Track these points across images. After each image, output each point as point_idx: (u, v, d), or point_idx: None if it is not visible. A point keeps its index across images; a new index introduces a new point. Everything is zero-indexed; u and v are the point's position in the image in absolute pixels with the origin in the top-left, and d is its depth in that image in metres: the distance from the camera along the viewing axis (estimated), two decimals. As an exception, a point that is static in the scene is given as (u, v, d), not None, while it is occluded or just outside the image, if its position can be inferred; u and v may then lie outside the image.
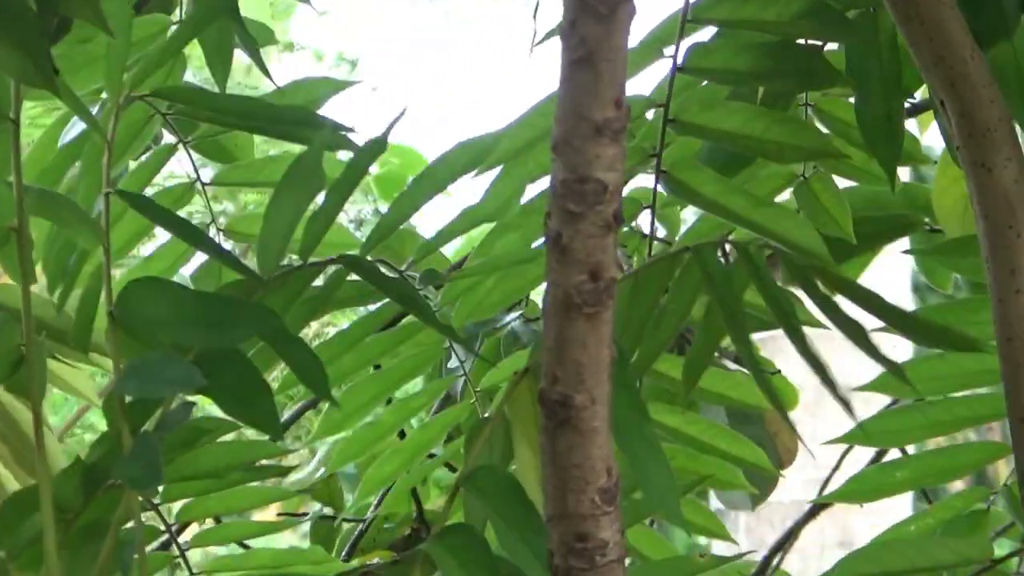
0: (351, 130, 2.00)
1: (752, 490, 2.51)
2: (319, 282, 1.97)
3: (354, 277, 1.98)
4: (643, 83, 2.19)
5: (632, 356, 2.04)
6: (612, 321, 1.50)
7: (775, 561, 3.34)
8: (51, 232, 2.07)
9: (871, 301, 1.82)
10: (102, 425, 2.02)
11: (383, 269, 1.94)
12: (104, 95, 2.17)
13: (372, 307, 2.24)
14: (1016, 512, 2.54)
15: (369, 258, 1.94)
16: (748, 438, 2.41)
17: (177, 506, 2.35)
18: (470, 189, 2.17)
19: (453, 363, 2.39)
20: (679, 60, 2.15)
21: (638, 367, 2.09)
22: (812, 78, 2.20)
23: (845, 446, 2.85)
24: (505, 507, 1.80)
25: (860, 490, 2.55)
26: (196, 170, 2.52)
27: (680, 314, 2.05)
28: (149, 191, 2.51)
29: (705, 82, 2.24)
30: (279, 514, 3.30)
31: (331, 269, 1.98)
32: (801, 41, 2.19)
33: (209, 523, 2.64)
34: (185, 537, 2.48)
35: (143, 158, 2.43)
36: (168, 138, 2.48)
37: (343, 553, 2.88)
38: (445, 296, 2.23)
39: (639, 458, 1.81)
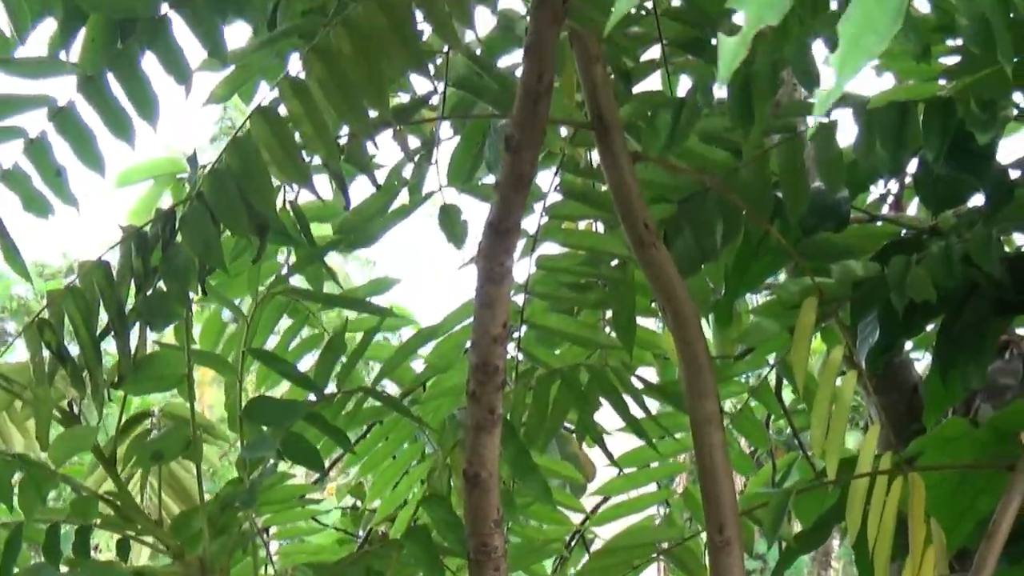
0: (387, 310, 2.45)
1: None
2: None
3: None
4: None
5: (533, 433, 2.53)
6: (499, 434, 2.01)
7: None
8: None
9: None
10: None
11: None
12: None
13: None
14: (689, 504, 3.03)
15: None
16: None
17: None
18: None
19: (429, 449, 2.70)
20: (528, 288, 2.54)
21: (543, 441, 2.57)
22: (600, 304, 2.61)
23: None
24: (443, 517, 2.30)
25: (617, 486, 3.09)
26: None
27: (563, 411, 2.54)
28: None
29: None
30: (336, 528, 3.57)
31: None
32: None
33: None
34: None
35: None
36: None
37: (364, 531, 3.25)
38: (424, 410, 2.67)
39: (524, 475, 2.34)
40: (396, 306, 3.05)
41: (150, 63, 2.27)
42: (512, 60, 2.61)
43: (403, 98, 2.55)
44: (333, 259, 2.88)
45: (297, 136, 2.19)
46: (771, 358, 2.89)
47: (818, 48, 2.31)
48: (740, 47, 0.79)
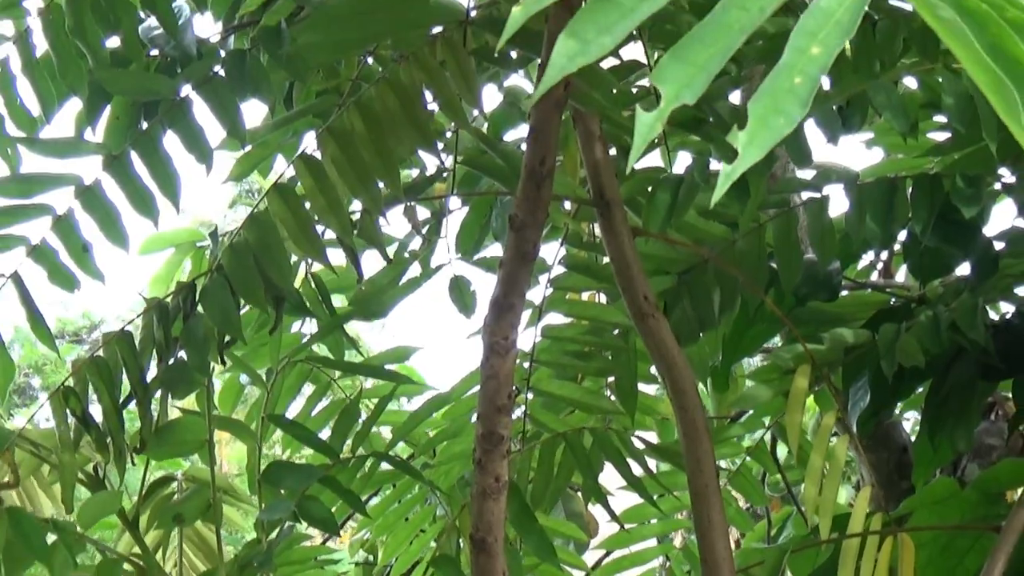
0: (404, 377, 2.45)
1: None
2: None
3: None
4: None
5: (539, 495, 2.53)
6: (505, 499, 2.02)
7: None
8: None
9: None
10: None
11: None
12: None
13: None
14: (689, 558, 3.02)
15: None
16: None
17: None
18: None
19: (440, 511, 2.68)
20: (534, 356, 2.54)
21: (548, 503, 2.57)
22: (603, 371, 2.61)
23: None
24: None
25: (618, 541, 3.07)
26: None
27: (568, 474, 2.55)
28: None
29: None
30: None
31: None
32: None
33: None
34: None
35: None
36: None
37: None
38: (436, 473, 2.66)
39: (530, 537, 2.34)
40: (409, 368, 3.06)
41: (171, 137, 2.31)
42: (518, 134, 2.64)
43: (413, 171, 2.58)
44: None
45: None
46: (766, 420, 2.89)
47: (810, 127, 2.37)
48: (656, 123, 0.78)
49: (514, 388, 2.03)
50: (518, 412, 2.57)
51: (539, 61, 2.09)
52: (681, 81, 0.79)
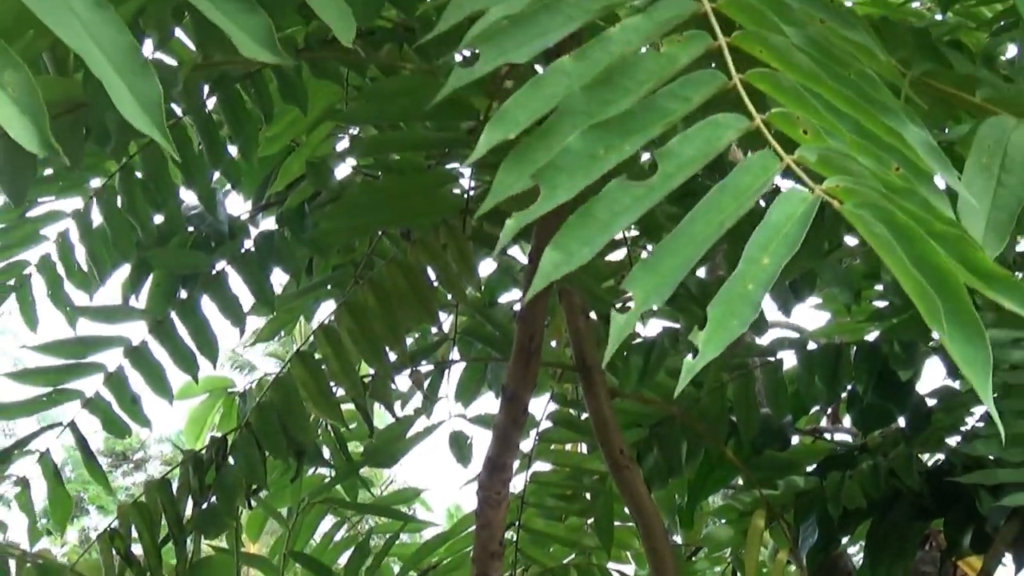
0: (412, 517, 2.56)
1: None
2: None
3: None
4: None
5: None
6: None
7: None
8: None
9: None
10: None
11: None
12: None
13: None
14: None
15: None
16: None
17: None
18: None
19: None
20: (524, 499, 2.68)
21: None
22: (584, 512, 2.74)
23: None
24: None
25: None
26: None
27: None
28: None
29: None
30: None
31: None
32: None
33: None
34: None
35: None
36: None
37: None
38: None
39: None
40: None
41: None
42: (510, 295, 2.78)
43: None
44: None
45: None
46: (727, 551, 3.02)
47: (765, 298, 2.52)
48: (629, 325, 0.86)
49: (503, 541, 2.16)
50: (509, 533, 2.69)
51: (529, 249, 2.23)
52: (650, 288, 0.87)
